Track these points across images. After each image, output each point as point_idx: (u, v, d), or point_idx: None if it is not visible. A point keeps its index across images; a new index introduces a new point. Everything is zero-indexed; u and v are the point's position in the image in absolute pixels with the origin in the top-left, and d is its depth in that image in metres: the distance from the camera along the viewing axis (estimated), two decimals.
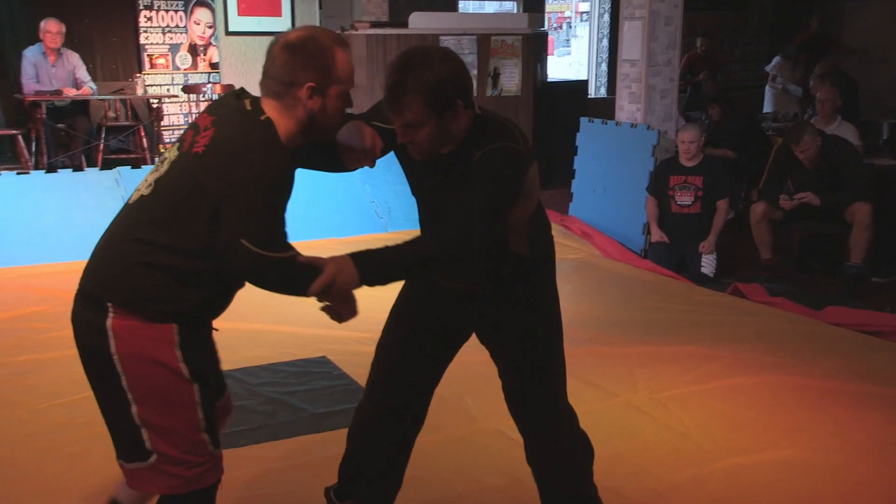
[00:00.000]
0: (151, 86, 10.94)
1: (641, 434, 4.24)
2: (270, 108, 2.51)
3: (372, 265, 2.58)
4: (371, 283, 2.60)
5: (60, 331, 3.67)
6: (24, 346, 5.26)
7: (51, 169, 8.74)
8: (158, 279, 2.44)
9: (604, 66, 13.96)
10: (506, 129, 2.74)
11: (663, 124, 7.97)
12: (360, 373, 4.86)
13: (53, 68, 9.32)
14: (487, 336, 3.14)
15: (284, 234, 2.49)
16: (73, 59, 9.53)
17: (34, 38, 9.42)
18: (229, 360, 5.02)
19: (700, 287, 6.66)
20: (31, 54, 9.28)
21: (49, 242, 7.03)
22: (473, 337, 3.20)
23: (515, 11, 13.76)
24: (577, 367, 4.91)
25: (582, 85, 13.10)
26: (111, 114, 10.08)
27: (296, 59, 2.50)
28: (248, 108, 2.50)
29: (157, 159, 2.45)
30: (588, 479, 3.24)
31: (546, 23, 13.84)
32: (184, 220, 2.43)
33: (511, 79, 10.29)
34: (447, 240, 2.68)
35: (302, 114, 2.51)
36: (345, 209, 8.29)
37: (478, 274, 2.97)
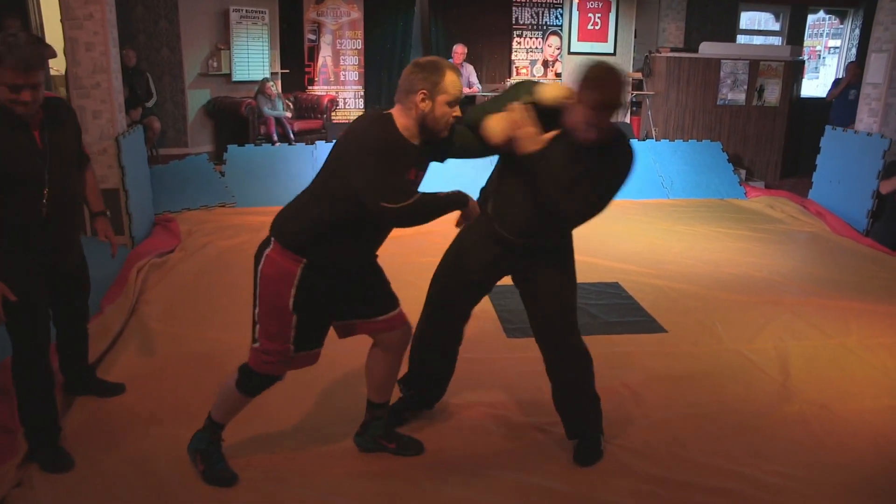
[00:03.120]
0: None
1: (850, 368, 3.90)
2: (395, 110, 2.49)
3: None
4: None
5: None
6: None
7: None
8: (308, 232, 2.49)
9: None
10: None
11: (895, 134, 7.14)
12: (641, 296, 4.83)
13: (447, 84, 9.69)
14: (529, 278, 2.89)
15: (406, 187, 2.42)
16: (469, 70, 9.88)
17: (447, 56, 9.80)
18: None
19: None
20: None
21: None
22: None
23: (779, 44, 12.75)
24: (805, 312, 4.62)
25: (827, 102, 11.91)
26: None
27: (416, 74, 2.46)
28: (383, 111, 2.50)
29: None
30: (593, 380, 3.02)
31: (803, 53, 12.69)
32: (333, 189, 2.45)
33: (773, 94, 9.61)
34: (578, 207, 2.61)
35: (416, 114, 2.46)
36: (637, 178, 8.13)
37: (556, 234, 2.84)
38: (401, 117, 2.47)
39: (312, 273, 2.51)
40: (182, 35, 9.44)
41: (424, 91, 2.43)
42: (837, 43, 14.20)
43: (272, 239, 2.53)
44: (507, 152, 2.63)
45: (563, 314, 2.89)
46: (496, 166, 2.83)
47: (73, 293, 3.12)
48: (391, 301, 2.81)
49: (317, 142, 7.89)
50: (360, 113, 10.05)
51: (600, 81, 2.46)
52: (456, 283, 2.95)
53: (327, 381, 3.49)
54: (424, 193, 2.44)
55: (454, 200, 2.52)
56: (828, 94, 6.21)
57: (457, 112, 2.53)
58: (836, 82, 9.72)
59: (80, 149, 3.02)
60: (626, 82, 2.74)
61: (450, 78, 2.46)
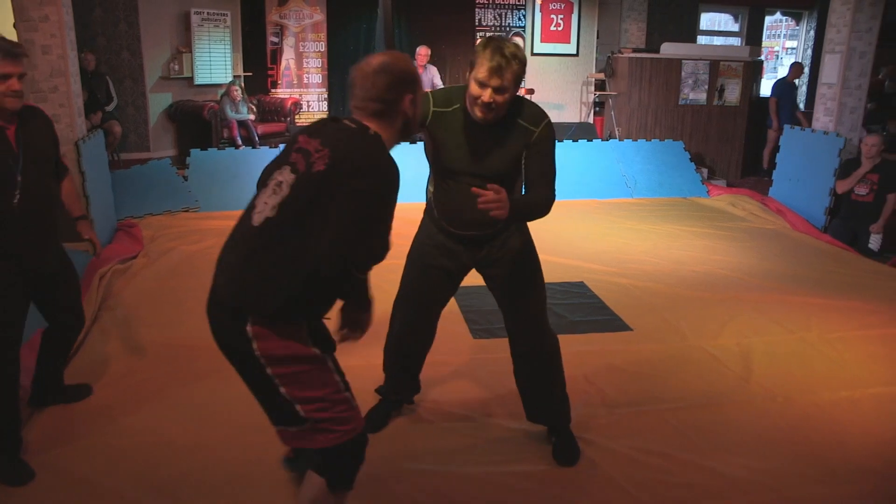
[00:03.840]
0: None
1: (810, 362, 3.98)
2: (374, 125, 2.07)
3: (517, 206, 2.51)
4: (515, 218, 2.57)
5: None
6: None
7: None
8: (295, 294, 1.95)
9: (803, 88, 12.92)
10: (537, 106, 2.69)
11: (850, 133, 7.31)
12: (606, 295, 4.88)
13: (421, 77, 9.62)
14: (493, 272, 2.88)
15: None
16: (433, 71, 9.87)
17: (411, 58, 9.78)
18: None
19: (867, 258, 6.09)
20: None
21: None
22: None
23: (739, 45, 12.98)
24: (766, 308, 4.71)
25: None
26: None
27: (391, 79, 2.08)
28: (353, 126, 2.06)
29: (269, 184, 2.03)
30: (564, 378, 3.03)
31: (761, 54, 12.95)
32: (313, 236, 1.93)
33: (733, 93, 9.78)
34: (550, 195, 2.68)
35: (399, 123, 2.13)
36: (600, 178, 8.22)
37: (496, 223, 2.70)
38: (384, 133, 2.09)
39: (315, 327, 2.09)
40: (143, 38, 9.32)
41: (411, 95, 2.14)
42: (794, 44, 14.51)
43: (247, 316, 1.97)
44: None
45: (535, 306, 2.91)
46: (431, 167, 2.83)
47: (57, 293, 3.08)
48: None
49: (281, 144, 7.84)
50: (324, 115, 9.97)
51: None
52: (420, 270, 2.94)
53: None
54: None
55: (365, 300, 2.23)
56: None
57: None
58: (780, 83, 9.92)
59: (58, 159, 3.02)
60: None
61: (418, 72, 2.29)
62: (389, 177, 1.99)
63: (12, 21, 5.47)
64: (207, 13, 9.63)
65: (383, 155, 2.02)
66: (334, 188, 1.93)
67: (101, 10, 9.10)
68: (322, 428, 2.06)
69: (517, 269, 2.87)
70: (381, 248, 2.02)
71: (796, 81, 10.06)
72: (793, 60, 11.96)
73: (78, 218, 3.20)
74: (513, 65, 2.51)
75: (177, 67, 9.57)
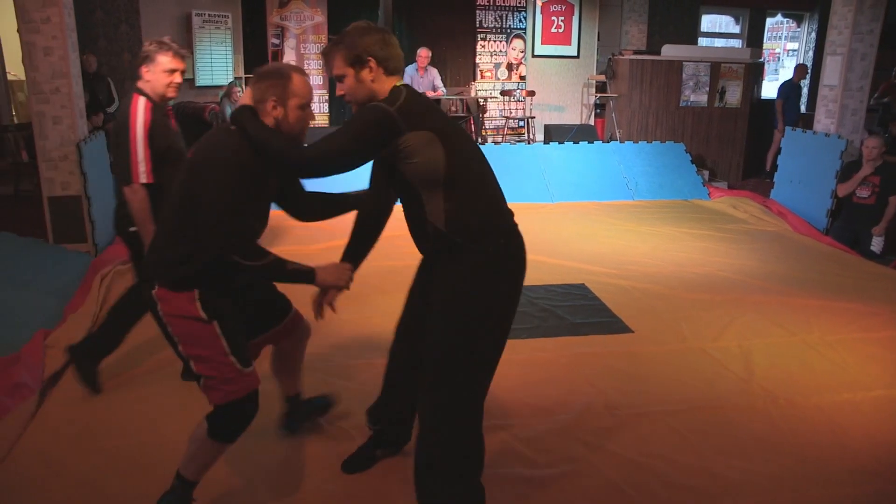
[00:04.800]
0: (480, 90, 11.20)
1: (811, 364, 3.98)
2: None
3: None
4: None
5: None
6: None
7: None
8: (187, 272, 2.36)
9: (805, 90, 12.92)
10: (395, 96, 2.29)
11: (851, 135, 7.31)
12: (607, 297, 4.88)
13: (422, 78, 9.70)
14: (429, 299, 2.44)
15: (246, 230, 2.36)
16: (433, 73, 9.89)
17: (411, 59, 9.82)
18: None
19: (869, 261, 6.09)
20: (409, 70, 9.68)
21: None
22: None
23: (740, 46, 12.99)
24: (768, 310, 4.72)
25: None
26: (453, 108, 10.39)
27: (261, 82, 2.38)
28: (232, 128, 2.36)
29: None
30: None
31: (762, 56, 12.96)
32: (185, 221, 2.34)
33: (734, 95, 9.81)
34: (302, 152, 2.28)
35: (271, 122, 2.37)
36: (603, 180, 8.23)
37: (415, 234, 2.43)
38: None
39: (209, 296, 2.40)
40: (144, 39, 9.33)
41: (274, 98, 2.37)
42: (795, 46, 14.50)
43: (154, 283, 2.40)
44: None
45: (436, 364, 2.34)
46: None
47: None
48: (285, 303, 2.80)
49: None
50: (325, 117, 9.96)
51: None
52: (411, 305, 2.66)
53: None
54: (277, 258, 2.35)
55: (301, 272, 2.41)
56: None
57: (311, 115, 2.46)
58: (786, 84, 9.92)
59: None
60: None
61: (297, 81, 2.40)
62: (216, 163, 2.29)
63: (15, 27, 5.48)
64: (209, 15, 9.65)
65: (224, 146, 2.31)
66: (191, 178, 2.32)
67: (102, 13, 9.13)
68: (210, 385, 2.40)
69: (433, 319, 2.37)
70: (225, 234, 2.27)
71: (802, 83, 10.07)
72: (794, 62, 11.98)
73: None
74: (334, 50, 2.38)
75: None
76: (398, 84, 2.37)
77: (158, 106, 3.26)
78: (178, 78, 3.29)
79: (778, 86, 10.08)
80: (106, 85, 8.64)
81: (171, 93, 3.27)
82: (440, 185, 2.27)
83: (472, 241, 2.29)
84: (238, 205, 2.28)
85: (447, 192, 2.27)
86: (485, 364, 2.36)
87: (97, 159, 5.89)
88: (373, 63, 2.33)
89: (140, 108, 3.19)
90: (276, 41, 10.41)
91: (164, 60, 3.23)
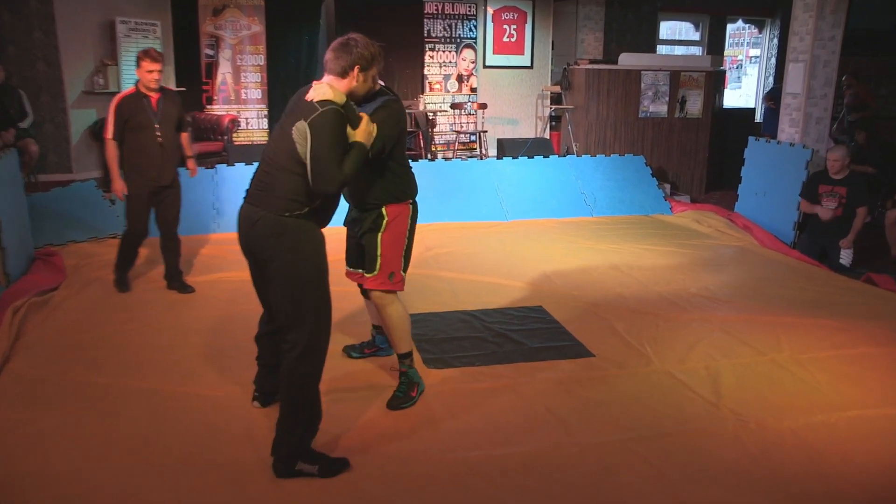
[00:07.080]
0: (429, 103, 11.25)
1: (782, 384, 4.03)
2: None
3: None
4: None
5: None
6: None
7: None
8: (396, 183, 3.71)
9: None
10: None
11: (816, 144, 7.51)
12: (567, 320, 4.89)
13: None
14: None
15: None
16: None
17: None
18: (472, 303, 5.20)
19: (838, 274, 6.23)
20: None
21: None
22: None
23: (700, 54, 13.30)
24: (735, 329, 4.78)
25: (750, 112, 12.52)
26: None
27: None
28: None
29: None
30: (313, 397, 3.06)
31: (724, 63, 13.30)
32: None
33: (695, 105, 10.00)
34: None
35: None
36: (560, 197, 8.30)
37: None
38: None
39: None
40: (61, 48, 9.15)
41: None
42: (758, 52, 14.89)
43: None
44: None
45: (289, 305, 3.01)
46: None
47: (167, 201, 5.31)
48: None
49: (217, 165, 7.71)
50: (264, 133, 9.83)
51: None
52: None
53: None
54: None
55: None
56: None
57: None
58: (773, 90, 10.17)
59: (181, 118, 5.43)
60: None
61: (143, 64, 4.89)
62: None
63: None
64: (135, 23, 9.50)
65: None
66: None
67: (10, 16, 8.89)
68: (399, 280, 3.65)
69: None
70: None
71: None
72: (757, 69, 12.28)
73: (190, 157, 5.56)
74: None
75: (101, 81, 9.40)
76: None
77: (140, 92, 5.09)
78: (157, 74, 5.09)
79: (765, 92, 10.25)
80: (17, 97, 8.20)
81: (152, 84, 5.09)
82: None
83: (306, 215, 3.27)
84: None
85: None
86: None
87: (8, 180, 5.71)
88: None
89: (123, 93, 5.14)
90: (211, 52, 10.31)
91: (145, 63, 5.03)
